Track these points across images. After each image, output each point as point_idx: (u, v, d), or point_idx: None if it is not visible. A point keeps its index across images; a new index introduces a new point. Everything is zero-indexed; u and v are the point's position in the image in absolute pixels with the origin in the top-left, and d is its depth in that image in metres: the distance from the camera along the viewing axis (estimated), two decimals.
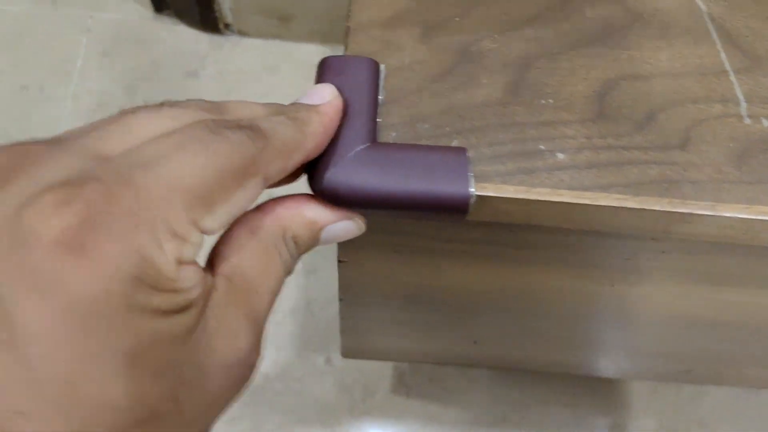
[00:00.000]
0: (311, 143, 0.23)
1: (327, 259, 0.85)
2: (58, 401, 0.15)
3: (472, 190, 0.25)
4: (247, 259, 0.21)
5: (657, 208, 0.25)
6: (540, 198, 0.25)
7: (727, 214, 0.25)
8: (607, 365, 0.59)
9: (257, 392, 0.77)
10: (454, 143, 0.26)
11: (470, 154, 0.26)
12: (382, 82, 0.28)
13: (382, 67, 0.28)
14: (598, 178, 0.26)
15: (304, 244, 0.24)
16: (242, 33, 0.98)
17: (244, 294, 0.21)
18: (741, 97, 0.28)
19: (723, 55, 0.29)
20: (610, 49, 0.29)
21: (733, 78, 0.28)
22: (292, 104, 0.25)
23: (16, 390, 0.15)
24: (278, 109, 0.24)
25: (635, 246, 0.31)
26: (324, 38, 1.00)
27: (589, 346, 0.51)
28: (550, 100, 0.27)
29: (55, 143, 0.18)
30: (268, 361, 0.79)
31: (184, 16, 0.97)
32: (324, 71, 0.27)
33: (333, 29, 0.98)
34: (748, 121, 0.27)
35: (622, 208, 0.25)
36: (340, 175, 0.24)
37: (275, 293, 0.22)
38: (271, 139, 0.21)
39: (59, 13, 0.99)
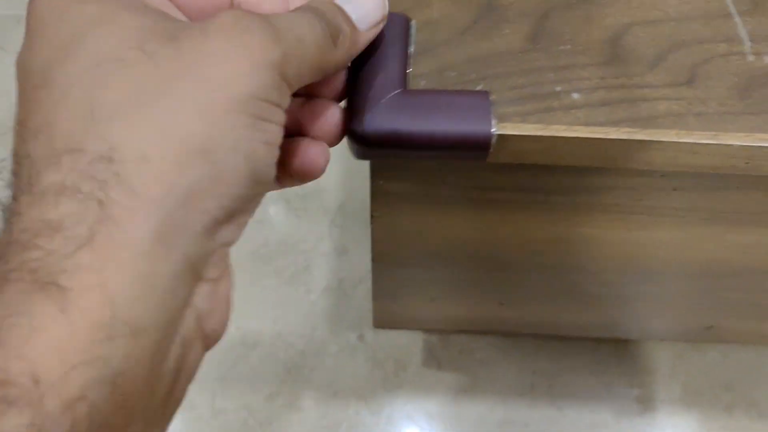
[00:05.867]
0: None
1: (357, 240, 0.88)
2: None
3: (493, 129, 0.27)
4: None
5: (663, 139, 0.28)
6: (556, 134, 0.28)
7: (729, 142, 0.28)
8: (630, 324, 0.61)
9: (293, 369, 0.80)
10: (479, 88, 0.29)
11: (492, 97, 0.28)
12: (413, 36, 0.30)
13: (412, 22, 0.30)
14: (610, 115, 0.28)
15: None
16: None
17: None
18: (745, 36, 0.30)
19: (728, 0, 0.31)
20: None
21: (737, 20, 0.30)
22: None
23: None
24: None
25: (646, 183, 0.33)
26: None
27: (612, 302, 0.53)
28: (568, 46, 0.30)
29: None
30: (303, 339, 0.82)
31: None
32: None
33: None
34: (751, 58, 0.30)
35: (632, 140, 0.28)
36: (375, 119, 0.27)
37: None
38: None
39: None
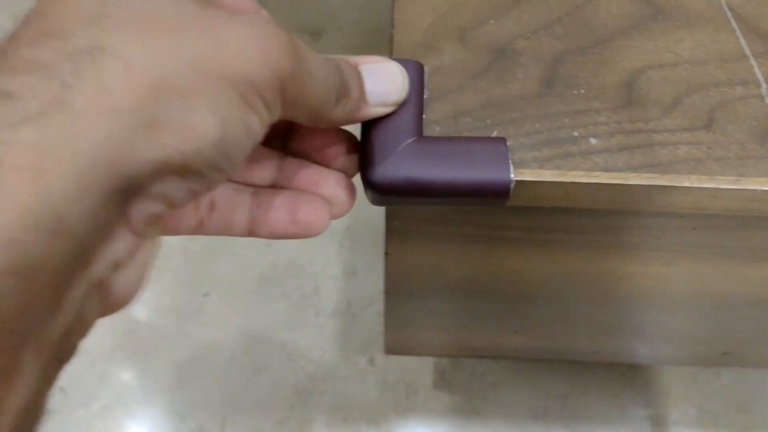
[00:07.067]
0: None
1: (365, 261, 0.88)
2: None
3: (511, 175, 0.27)
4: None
5: (685, 184, 0.27)
6: (575, 180, 0.28)
7: (751, 187, 0.27)
8: (646, 351, 0.60)
9: (303, 393, 0.80)
10: (494, 134, 0.29)
11: (509, 143, 0.28)
12: (426, 82, 0.30)
13: (425, 68, 0.30)
14: (629, 160, 0.28)
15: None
16: None
17: None
18: (761, 79, 0.30)
19: (742, 41, 0.31)
20: (636, 41, 0.31)
21: (753, 62, 0.30)
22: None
23: None
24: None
25: (665, 224, 0.33)
26: (355, 52, 1.04)
27: (628, 331, 0.52)
28: (582, 91, 0.30)
29: None
30: (313, 363, 0.82)
31: None
32: None
33: (363, 43, 1.00)
34: None
35: (653, 186, 0.28)
36: (390, 167, 0.27)
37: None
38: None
39: None
